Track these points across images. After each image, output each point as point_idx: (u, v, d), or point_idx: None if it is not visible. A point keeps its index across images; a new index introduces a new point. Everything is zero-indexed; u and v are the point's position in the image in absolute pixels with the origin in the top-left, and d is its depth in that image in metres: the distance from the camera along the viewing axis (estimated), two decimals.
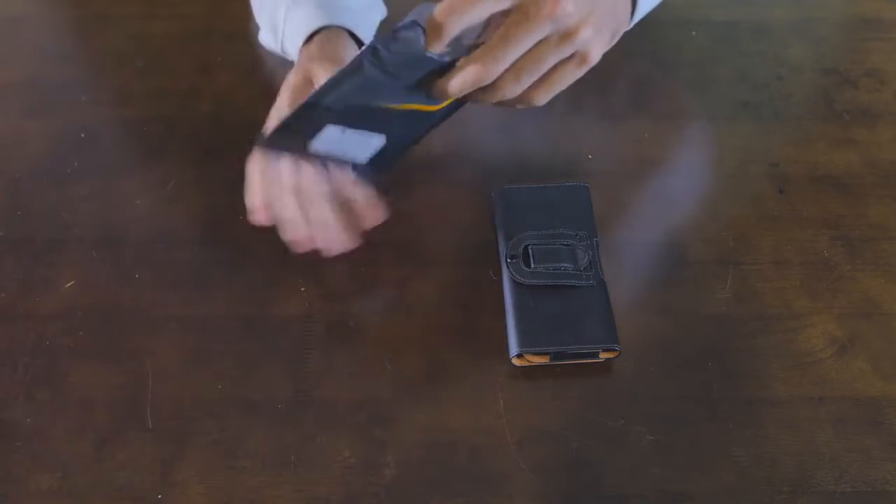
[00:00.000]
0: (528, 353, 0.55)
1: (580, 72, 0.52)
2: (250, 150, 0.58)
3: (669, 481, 0.51)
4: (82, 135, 0.70)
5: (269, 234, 0.64)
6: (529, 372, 0.56)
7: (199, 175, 0.67)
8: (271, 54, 0.77)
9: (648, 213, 0.65)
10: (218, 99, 0.73)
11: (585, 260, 0.58)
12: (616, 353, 0.56)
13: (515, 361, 0.56)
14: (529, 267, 0.58)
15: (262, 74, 0.76)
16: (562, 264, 0.58)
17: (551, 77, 0.52)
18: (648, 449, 0.52)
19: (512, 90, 0.51)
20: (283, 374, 0.56)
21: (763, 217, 0.64)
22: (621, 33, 0.56)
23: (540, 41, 0.49)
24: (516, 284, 0.58)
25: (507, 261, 0.59)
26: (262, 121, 0.71)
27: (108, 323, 0.59)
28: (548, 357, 0.55)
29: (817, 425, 0.53)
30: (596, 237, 0.60)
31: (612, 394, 0.55)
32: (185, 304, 0.60)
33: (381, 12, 0.74)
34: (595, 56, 0.51)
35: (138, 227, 0.64)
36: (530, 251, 0.59)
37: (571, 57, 0.51)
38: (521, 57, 0.49)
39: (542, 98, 0.53)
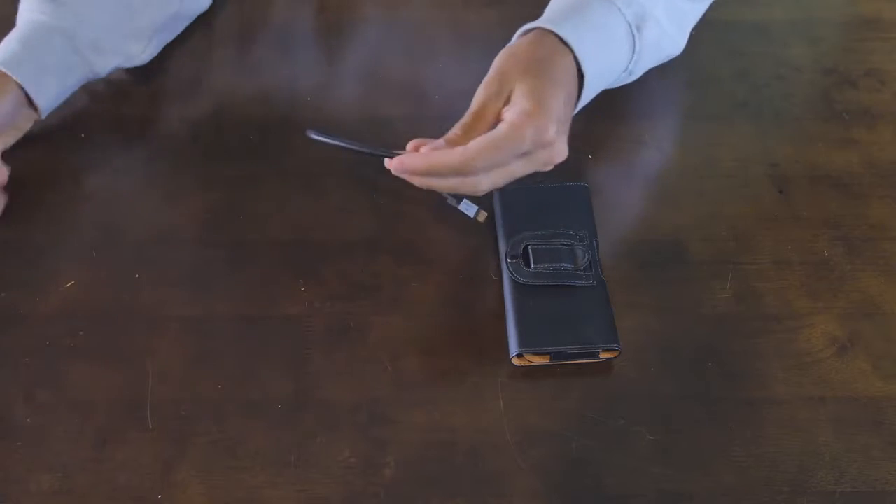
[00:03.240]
0: (528, 353, 0.55)
1: (540, 170, 0.56)
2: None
3: (669, 481, 0.51)
4: (82, 135, 0.70)
5: (269, 234, 0.64)
6: (529, 372, 0.56)
7: (199, 175, 0.67)
8: (272, 54, 0.77)
9: (648, 213, 0.65)
10: (217, 99, 0.73)
11: (585, 260, 0.58)
12: (616, 353, 0.56)
13: (515, 361, 0.56)
14: (529, 267, 0.58)
15: (263, 74, 0.76)
16: (562, 264, 0.58)
17: (514, 175, 0.55)
18: (648, 449, 0.52)
19: (474, 190, 0.55)
20: (283, 374, 0.56)
21: (763, 217, 0.64)
22: None
23: (519, 154, 0.53)
24: (516, 284, 0.58)
25: (507, 261, 0.59)
26: (263, 120, 0.71)
27: (108, 323, 0.59)
28: (548, 357, 0.55)
29: (817, 425, 0.53)
30: (596, 237, 0.60)
31: (612, 394, 0.55)
32: (185, 304, 0.60)
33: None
34: (561, 158, 0.55)
35: (138, 227, 0.64)
36: (530, 251, 0.59)
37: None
38: (499, 168, 0.53)
39: (489, 189, 0.55)
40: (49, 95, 0.67)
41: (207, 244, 0.63)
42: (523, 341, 0.55)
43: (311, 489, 0.51)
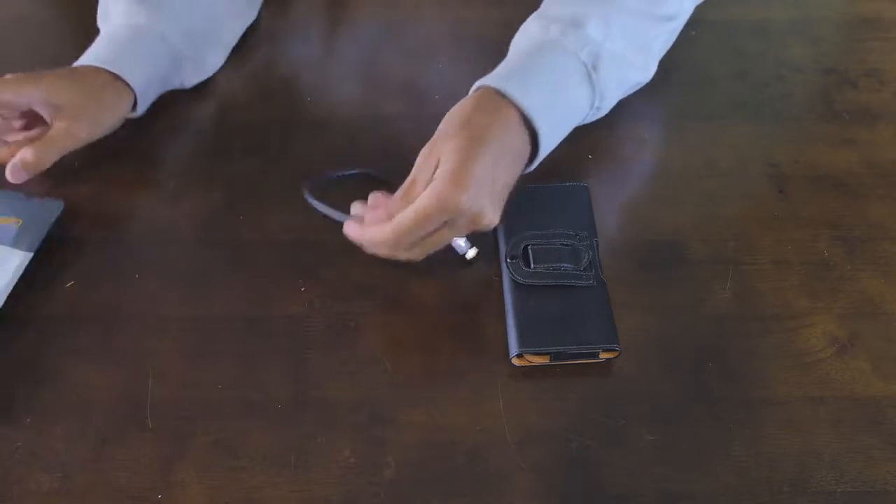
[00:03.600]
0: (528, 353, 0.55)
1: (476, 230, 0.57)
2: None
3: (669, 481, 0.51)
4: None
5: (269, 234, 0.64)
6: (529, 372, 0.56)
7: (199, 175, 0.67)
8: (272, 54, 0.78)
9: (648, 214, 0.65)
10: (218, 99, 0.73)
11: (585, 260, 0.59)
12: (616, 353, 0.56)
13: (515, 361, 0.56)
14: (529, 267, 0.58)
15: (263, 74, 0.76)
16: (562, 264, 0.58)
17: (443, 241, 0.57)
18: (648, 449, 0.52)
19: (414, 257, 0.57)
20: (283, 374, 0.56)
21: (763, 217, 0.64)
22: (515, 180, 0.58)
23: (444, 223, 0.54)
24: (516, 284, 0.58)
25: (507, 261, 0.59)
26: (263, 120, 0.72)
27: (108, 323, 0.59)
28: (548, 357, 0.55)
29: (817, 425, 0.53)
30: (596, 237, 0.60)
31: (612, 394, 0.55)
32: (185, 304, 0.60)
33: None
34: (491, 224, 0.55)
35: (138, 227, 0.64)
36: (530, 251, 0.59)
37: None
38: (426, 239, 0.55)
39: (422, 257, 0.57)
40: (147, 103, 0.69)
41: (207, 244, 0.63)
42: (523, 341, 0.55)
43: (311, 489, 0.51)
